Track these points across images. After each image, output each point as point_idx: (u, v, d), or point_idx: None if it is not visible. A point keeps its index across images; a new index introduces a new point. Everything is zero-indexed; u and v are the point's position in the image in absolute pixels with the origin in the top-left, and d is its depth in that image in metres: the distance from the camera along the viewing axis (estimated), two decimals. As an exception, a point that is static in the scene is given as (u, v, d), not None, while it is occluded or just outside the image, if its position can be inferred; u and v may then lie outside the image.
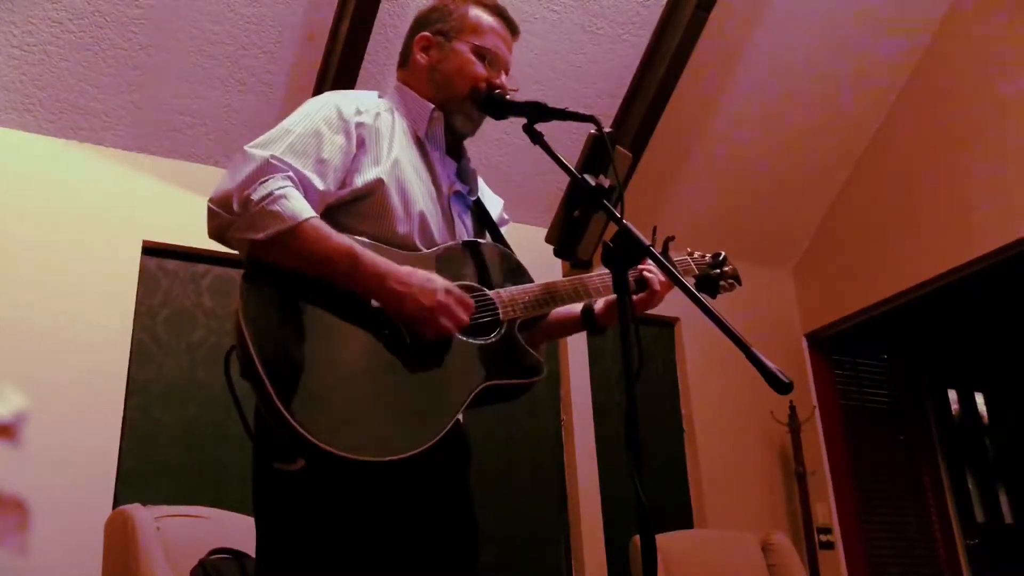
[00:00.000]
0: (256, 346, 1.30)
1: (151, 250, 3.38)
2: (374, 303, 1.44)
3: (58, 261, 3.18)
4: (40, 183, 3.25)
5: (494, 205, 1.83)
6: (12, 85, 3.19)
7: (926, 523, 4.91)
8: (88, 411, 3.05)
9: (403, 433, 1.36)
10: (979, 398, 5.71)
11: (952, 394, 5.52)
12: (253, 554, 2.33)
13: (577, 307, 1.78)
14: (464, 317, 1.47)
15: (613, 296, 1.72)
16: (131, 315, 3.25)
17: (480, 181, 1.81)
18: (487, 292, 1.58)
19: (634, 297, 1.72)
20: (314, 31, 3.41)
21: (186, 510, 2.63)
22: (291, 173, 1.44)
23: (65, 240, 3.21)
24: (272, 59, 3.44)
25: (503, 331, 1.57)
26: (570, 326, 1.81)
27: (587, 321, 1.78)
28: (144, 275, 3.34)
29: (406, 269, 1.44)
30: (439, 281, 1.45)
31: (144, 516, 2.44)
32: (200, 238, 3.38)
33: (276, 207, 1.38)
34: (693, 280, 1.95)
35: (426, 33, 1.74)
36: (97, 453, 3.02)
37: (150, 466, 3.14)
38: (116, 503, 2.93)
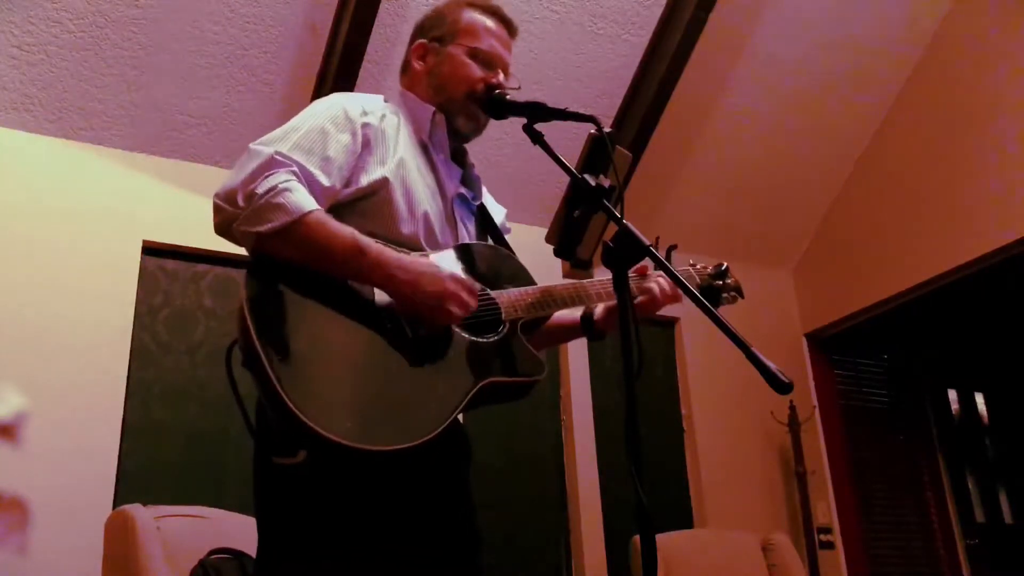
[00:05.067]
0: (259, 335, 1.31)
1: (151, 250, 3.38)
2: (378, 296, 1.45)
3: (58, 261, 3.18)
4: (40, 183, 3.25)
5: (497, 213, 1.84)
6: (12, 85, 3.19)
7: (926, 523, 4.91)
8: (88, 411, 3.05)
9: (403, 425, 1.36)
10: (979, 398, 5.71)
11: (952, 394, 5.52)
12: (253, 554, 2.34)
13: (577, 313, 1.79)
14: (472, 302, 1.47)
15: (612, 302, 1.72)
16: (131, 315, 3.25)
17: (484, 190, 1.82)
18: (490, 292, 1.59)
19: (634, 301, 1.73)
20: (314, 31, 3.41)
21: (186, 510, 2.63)
22: (295, 168, 1.45)
23: (65, 240, 3.21)
24: (272, 59, 3.44)
25: (505, 330, 1.57)
26: (570, 332, 1.82)
27: (586, 327, 1.78)
28: (144, 275, 3.34)
29: (410, 258, 1.46)
30: (444, 269, 1.46)
31: (144, 516, 2.44)
32: (200, 238, 3.37)
33: (280, 200, 1.38)
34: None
35: (422, 41, 1.76)
36: (97, 453, 3.02)
37: (150, 466, 3.14)
38: (116, 503, 2.93)
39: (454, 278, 1.46)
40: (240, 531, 2.44)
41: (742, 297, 1.98)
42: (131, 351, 3.21)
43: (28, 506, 2.86)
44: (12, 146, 3.25)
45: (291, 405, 1.27)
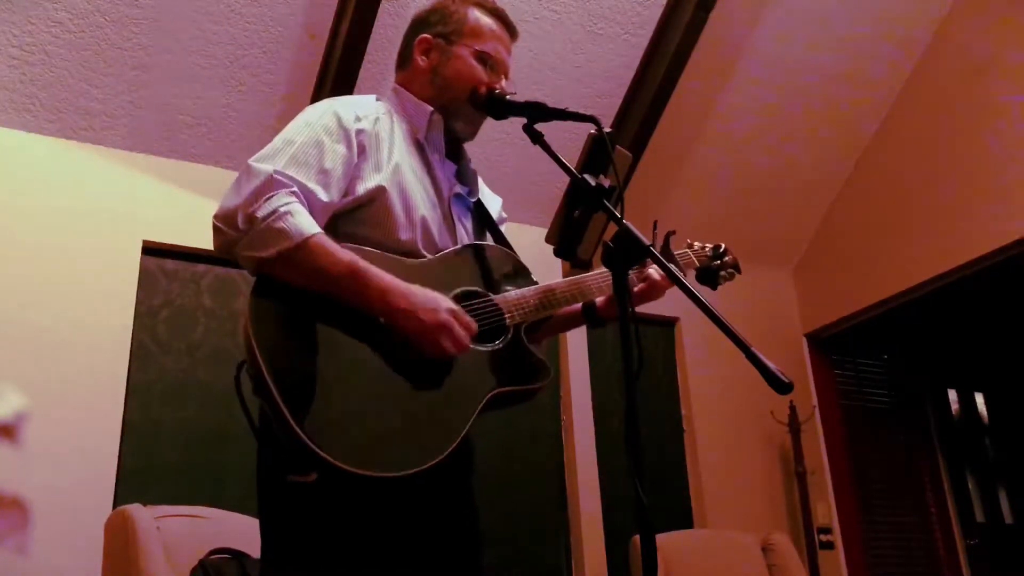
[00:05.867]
0: (268, 365, 1.30)
1: (151, 250, 3.38)
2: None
3: (58, 261, 3.17)
4: (40, 183, 3.25)
5: (493, 204, 1.83)
6: (12, 85, 3.19)
7: (926, 523, 4.91)
8: (88, 411, 3.05)
9: (416, 446, 1.36)
10: (979, 398, 5.71)
11: (952, 394, 5.52)
12: (253, 554, 2.34)
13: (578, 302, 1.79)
14: (465, 341, 1.45)
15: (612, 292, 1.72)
16: (131, 315, 3.25)
17: (480, 182, 1.81)
18: (492, 297, 1.58)
19: (635, 289, 1.74)
20: (314, 31, 3.41)
21: (186, 510, 2.63)
22: (295, 188, 1.43)
23: (65, 240, 3.21)
24: (272, 59, 3.44)
25: (509, 336, 1.57)
26: (572, 321, 1.81)
27: (588, 315, 1.78)
28: (144, 275, 3.34)
29: (409, 286, 1.44)
30: (443, 301, 1.45)
31: (144, 516, 2.44)
32: (200, 238, 3.37)
33: (281, 224, 1.37)
34: (694, 272, 1.96)
35: (426, 35, 1.73)
36: (97, 453, 3.02)
37: (150, 466, 3.14)
38: (116, 503, 2.93)
39: (451, 311, 1.44)
40: (240, 531, 2.44)
41: (739, 273, 2.00)
42: (131, 351, 3.21)
43: (28, 506, 2.86)
44: (12, 146, 3.24)
45: (304, 438, 1.27)
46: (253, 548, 2.27)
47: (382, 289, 1.41)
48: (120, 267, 3.28)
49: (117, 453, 3.07)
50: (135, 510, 2.46)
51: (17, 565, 2.79)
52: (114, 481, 3.02)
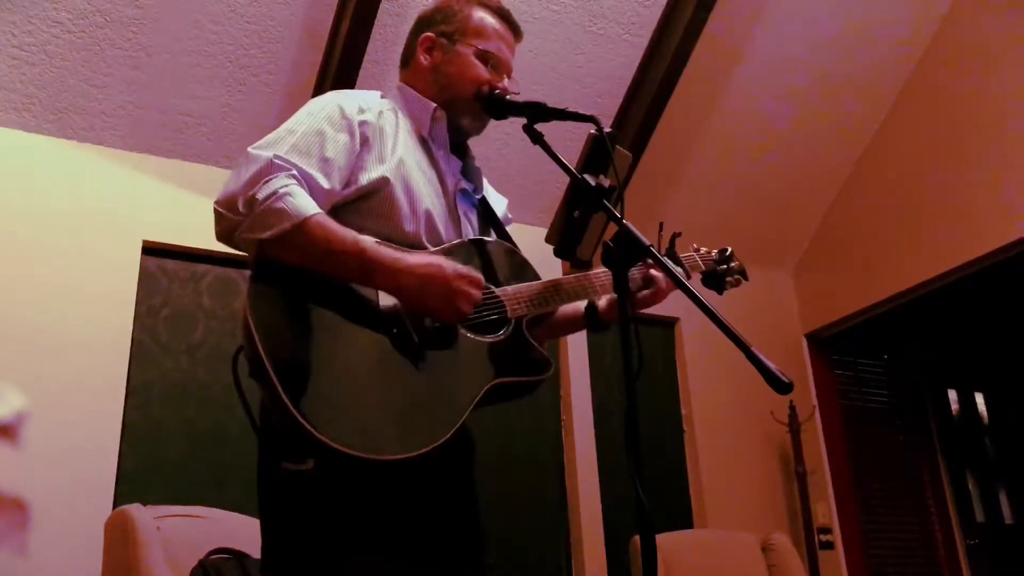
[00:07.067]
0: (265, 347, 1.29)
1: (151, 250, 3.38)
2: (382, 300, 1.44)
3: (58, 261, 3.18)
4: (40, 183, 3.25)
5: (498, 204, 1.83)
6: (12, 85, 3.19)
7: (926, 523, 4.91)
8: (88, 411, 3.05)
9: (414, 431, 1.36)
10: (979, 398, 5.71)
11: (952, 394, 5.52)
12: (253, 554, 2.34)
13: (581, 305, 1.78)
14: (477, 295, 1.46)
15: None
16: (131, 315, 3.25)
17: (484, 181, 1.81)
18: (494, 290, 1.58)
19: (638, 294, 1.73)
20: (314, 31, 3.42)
21: (186, 510, 2.63)
22: (295, 172, 1.44)
23: (65, 240, 3.21)
24: (272, 59, 3.44)
25: (511, 328, 1.56)
26: (574, 324, 1.81)
27: (590, 318, 1.78)
28: (144, 275, 3.34)
29: (413, 259, 1.44)
30: (448, 267, 1.45)
31: (144, 516, 2.44)
32: (200, 238, 3.37)
33: (281, 204, 1.37)
34: (699, 276, 1.95)
35: (430, 34, 1.74)
36: (97, 453, 3.02)
37: (150, 466, 3.14)
38: (116, 503, 2.93)
39: (458, 275, 1.45)
40: (240, 531, 2.45)
41: (746, 279, 1.99)
42: (131, 351, 3.21)
43: (28, 506, 2.86)
44: (12, 146, 3.25)
45: (300, 418, 1.26)
46: (253, 548, 2.27)
47: (386, 265, 1.41)
48: (120, 267, 3.28)
49: (117, 453, 3.07)
50: (135, 510, 2.47)
51: (17, 565, 2.79)
52: (114, 481, 3.02)
